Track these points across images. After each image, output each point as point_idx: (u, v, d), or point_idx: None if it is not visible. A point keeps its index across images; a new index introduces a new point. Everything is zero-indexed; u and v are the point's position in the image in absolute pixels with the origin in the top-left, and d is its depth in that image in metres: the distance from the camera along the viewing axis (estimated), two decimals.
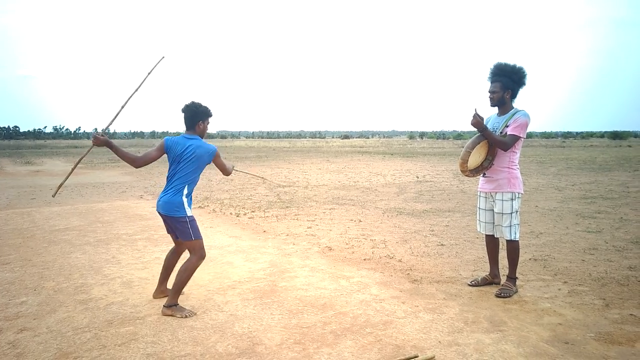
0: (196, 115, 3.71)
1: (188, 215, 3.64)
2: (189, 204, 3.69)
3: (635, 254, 5.25)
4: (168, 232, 3.84)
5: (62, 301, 3.96)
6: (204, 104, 3.78)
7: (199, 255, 3.70)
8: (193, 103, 3.74)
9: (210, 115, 3.82)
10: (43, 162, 24.07)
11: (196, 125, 3.73)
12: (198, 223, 3.79)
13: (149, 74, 3.89)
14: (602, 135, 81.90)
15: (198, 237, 3.70)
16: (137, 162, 3.66)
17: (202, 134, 3.78)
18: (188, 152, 3.62)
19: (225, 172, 3.97)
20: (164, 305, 3.67)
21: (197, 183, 3.84)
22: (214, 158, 3.73)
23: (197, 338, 3.22)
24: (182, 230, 3.66)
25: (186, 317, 3.57)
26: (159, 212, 3.69)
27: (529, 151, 31.79)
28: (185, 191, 3.65)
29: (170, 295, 3.69)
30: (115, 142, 3.70)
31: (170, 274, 4.01)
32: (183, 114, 3.73)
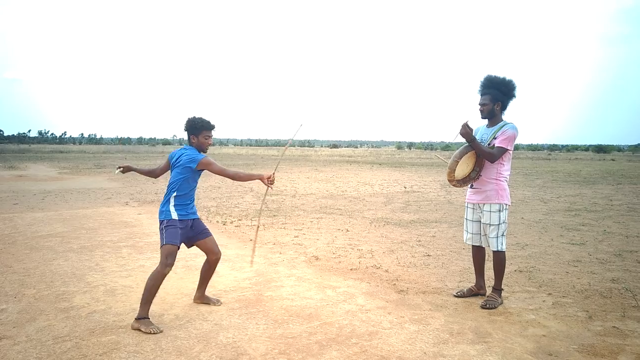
0: (188, 130, 3.85)
1: (168, 219, 3.67)
2: (177, 210, 3.70)
3: (618, 266, 5.32)
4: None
5: (42, 309, 3.88)
6: (202, 118, 3.83)
7: (163, 262, 3.58)
8: (187, 119, 3.86)
9: (202, 129, 3.80)
10: (27, 166, 23.70)
11: (190, 139, 3.85)
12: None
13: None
14: (586, 148, 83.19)
15: (169, 242, 3.60)
16: (155, 173, 4.06)
17: (199, 147, 3.84)
18: (177, 161, 3.78)
19: (229, 176, 3.75)
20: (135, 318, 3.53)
21: (194, 193, 3.86)
22: (197, 165, 3.68)
23: (180, 348, 3.18)
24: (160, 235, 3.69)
25: (151, 332, 3.39)
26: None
27: (515, 163, 32.14)
28: (172, 201, 3.69)
29: (140, 306, 3.55)
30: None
31: (204, 281, 4.09)
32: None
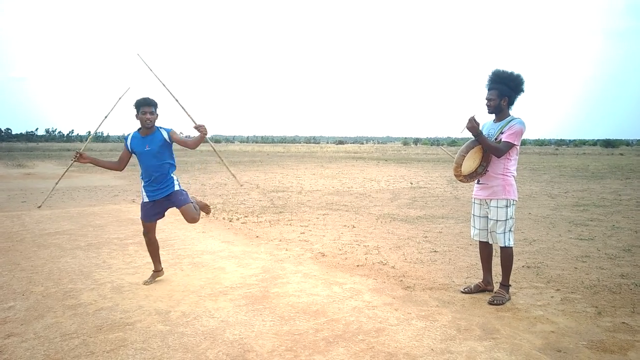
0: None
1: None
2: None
3: (627, 261, 5.27)
4: (152, 220, 4.48)
5: (50, 306, 3.90)
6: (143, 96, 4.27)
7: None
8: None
9: (139, 106, 4.24)
10: (35, 164, 23.87)
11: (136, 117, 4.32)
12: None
13: (115, 103, 4.63)
14: (594, 143, 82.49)
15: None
16: (118, 166, 4.46)
17: (141, 123, 4.30)
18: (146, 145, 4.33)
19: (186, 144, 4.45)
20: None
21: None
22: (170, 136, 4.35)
23: (187, 344, 3.18)
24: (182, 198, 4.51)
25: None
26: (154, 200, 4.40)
27: (522, 158, 31.95)
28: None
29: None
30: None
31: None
32: None
